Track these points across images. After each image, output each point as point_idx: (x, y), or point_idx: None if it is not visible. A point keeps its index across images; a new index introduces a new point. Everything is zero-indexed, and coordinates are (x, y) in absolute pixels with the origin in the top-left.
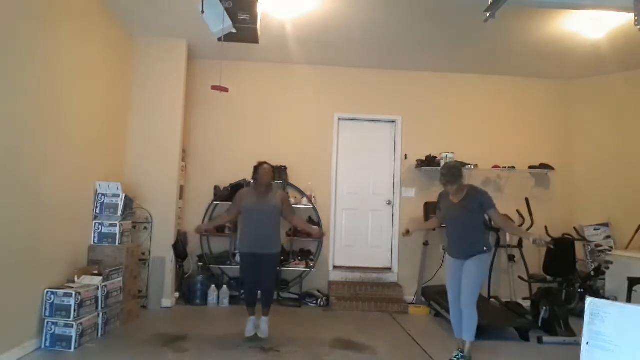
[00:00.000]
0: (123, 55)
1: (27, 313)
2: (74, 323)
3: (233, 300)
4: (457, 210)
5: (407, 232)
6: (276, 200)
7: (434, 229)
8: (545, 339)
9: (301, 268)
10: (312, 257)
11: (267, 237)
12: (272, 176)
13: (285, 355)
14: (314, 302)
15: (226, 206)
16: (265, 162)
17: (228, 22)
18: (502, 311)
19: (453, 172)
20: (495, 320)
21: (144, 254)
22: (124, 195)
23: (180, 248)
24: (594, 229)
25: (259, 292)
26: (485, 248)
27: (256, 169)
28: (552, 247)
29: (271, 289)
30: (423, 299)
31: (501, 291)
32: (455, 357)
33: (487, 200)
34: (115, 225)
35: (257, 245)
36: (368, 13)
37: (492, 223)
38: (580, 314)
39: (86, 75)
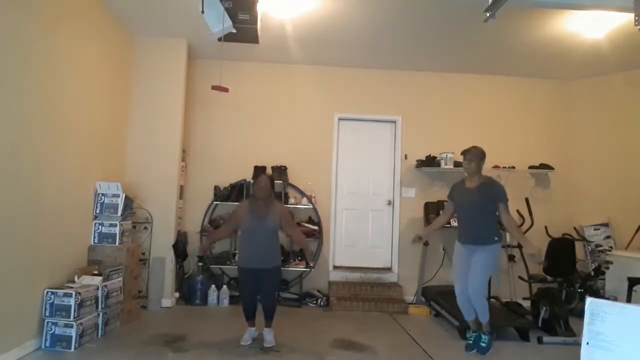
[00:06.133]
0: (123, 55)
1: (27, 313)
2: (74, 323)
3: (233, 300)
4: (472, 195)
5: (420, 238)
6: (275, 217)
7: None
8: (545, 339)
9: (301, 268)
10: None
11: (265, 253)
12: (269, 189)
13: (285, 355)
14: (314, 302)
15: (226, 206)
16: (262, 174)
17: (228, 22)
18: (502, 311)
19: (476, 151)
20: (495, 320)
21: (144, 254)
22: (124, 195)
23: (180, 248)
24: (594, 229)
25: (260, 305)
26: (496, 238)
27: (254, 181)
28: (539, 263)
29: (273, 303)
30: (423, 299)
31: (501, 291)
32: (470, 338)
33: (501, 193)
34: (115, 225)
35: (256, 261)
36: (368, 13)
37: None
38: (580, 314)
39: (86, 75)
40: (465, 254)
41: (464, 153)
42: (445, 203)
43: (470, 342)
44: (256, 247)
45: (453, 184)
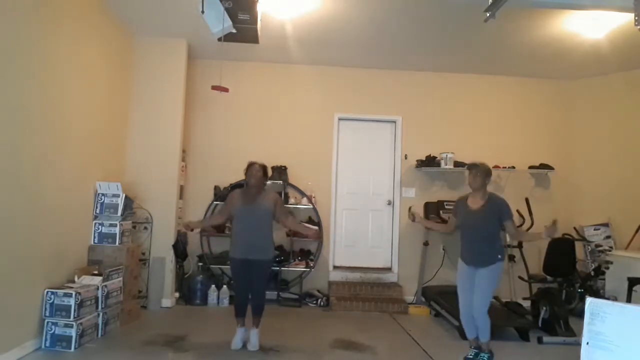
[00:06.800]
0: (123, 55)
1: (27, 313)
2: (74, 323)
3: (233, 300)
4: (476, 216)
5: (413, 216)
6: (268, 203)
7: (427, 228)
8: (545, 339)
9: (301, 268)
10: (312, 257)
11: (258, 242)
12: (262, 177)
13: (285, 355)
14: (314, 302)
15: None
16: (255, 162)
17: (228, 22)
18: (502, 311)
19: (483, 167)
20: (495, 320)
21: (144, 254)
22: (124, 195)
23: (180, 248)
24: (594, 229)
25: (250, 302)
26: (499, 256)
27: (246, 170)
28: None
29: (262, 297)
30: (423, 299)
31: (501, 291)
32: (469, 355)
33: (506, 210)
34: (115, 225)
35: (248, 251)
36: (368, 13)
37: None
38: (580, 314)
39: (86, 75)
40: (468, 273)
41: (469, 168)
42: (445, 203)
43: (470, 357)
44: (248, 236)
45: (457, 200)
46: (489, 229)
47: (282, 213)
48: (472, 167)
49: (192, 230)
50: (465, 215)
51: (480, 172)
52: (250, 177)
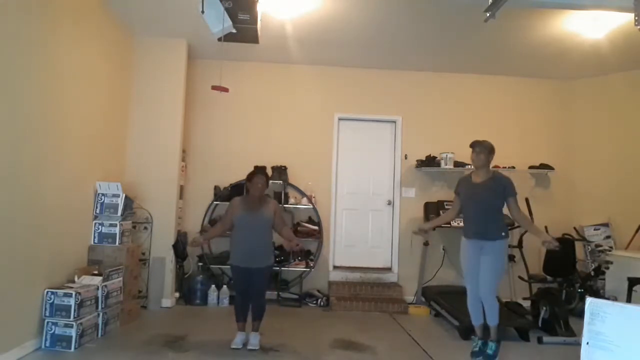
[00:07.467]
0: (123, 55)
1: (27, 313)
2: (74, 323)
3: (233, 300)
4: (479, 190)
5: (425, 232)
6: (268, 211)
7: (434, 228)
8: (545, 339)
9: (301, 268)
10: (312, 257)
11: (258, 250)
12: (265, 189)
13: (285, 355)
14: (314, 302)
15: (226, 206)
16: (258, 172)
17: (228, 22)
18: (502, 311)
19: (486, 144)
20: None
21: (144, 254)
22: (124, 195)
23: (180, 248)
24: (594, 229)
25: (250, 306)
26: (503, 233)
27: (249, 179)
28: (557, 249)
29: (263, 302)
30: (423, 299)
31: (501, 291)
32: (475, 348)
33: (510, 186)
34: (115, 225)
35: (248, 259)
36: (368, 13)
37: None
38: (580, 314)
39: (86, 76)
40: (472, 250)
41: (473, 145)
42: (445, 203)
43: (476, 350)
44: (248, 244)
45: (459, 178)
46: (493, 201)
47: (280, 222)
48: (476, 144)
49: (207, 242)
50: (469, 189)
51: (484, 149)
52: (253, 188)
